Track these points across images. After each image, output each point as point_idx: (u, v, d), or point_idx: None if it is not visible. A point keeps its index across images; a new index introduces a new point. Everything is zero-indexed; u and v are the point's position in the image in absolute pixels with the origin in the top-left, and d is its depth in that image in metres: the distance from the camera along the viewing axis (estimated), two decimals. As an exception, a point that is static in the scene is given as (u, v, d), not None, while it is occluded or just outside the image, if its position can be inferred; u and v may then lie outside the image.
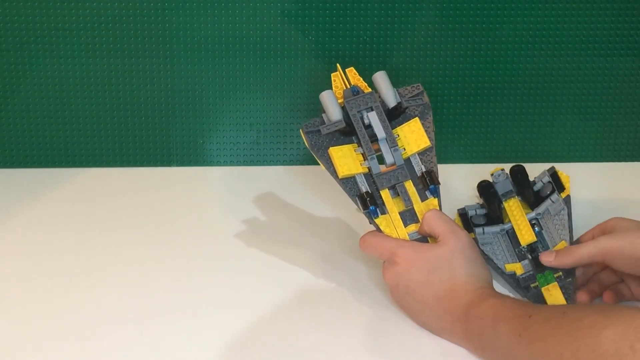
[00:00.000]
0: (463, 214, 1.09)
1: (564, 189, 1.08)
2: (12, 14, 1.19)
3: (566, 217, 1.05)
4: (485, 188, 1.10)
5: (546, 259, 0.99)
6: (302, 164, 1.28)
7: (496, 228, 1.06)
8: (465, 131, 1.29)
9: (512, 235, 1.06)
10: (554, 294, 0.99)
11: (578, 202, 1.13)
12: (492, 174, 1.09)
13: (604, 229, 1.00)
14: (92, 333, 0.92)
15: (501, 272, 1.03)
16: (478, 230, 1.06)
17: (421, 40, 1.23)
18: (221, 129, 1.27)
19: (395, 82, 1.05)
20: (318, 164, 1.27)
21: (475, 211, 1.08)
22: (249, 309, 0.96)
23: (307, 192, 1.13)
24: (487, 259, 1.03)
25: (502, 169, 1.09)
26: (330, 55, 1.24)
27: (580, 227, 1.08)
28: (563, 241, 1.03)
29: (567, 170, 1.08)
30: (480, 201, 1.10)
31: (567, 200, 1.07)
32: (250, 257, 1.06)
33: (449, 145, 1.29)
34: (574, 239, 1.04)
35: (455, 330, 0.91)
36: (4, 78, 1.22)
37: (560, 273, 1.00)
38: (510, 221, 1.06)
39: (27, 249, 1.07)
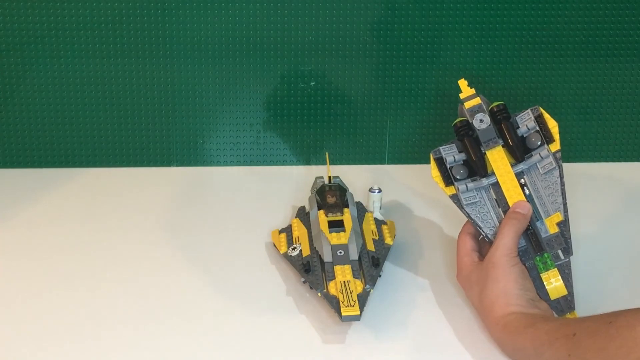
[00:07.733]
0: (438, 157, 0.95)
1: (553, 140, 0.93)
2: (12, 14, 1.19)
3: (558, 179, 0.92)
4: (462, 130, 0.95)
5: None
6: (301, 163, 1.28)
7: (480, 182, 0.93)
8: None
9: (496, 190, 0.93)
10: (555, 285, 0.89)
11: (578, 201, 1.13)
12: (473, 118, 0.94)
13: None
14: (92, 331, 0.92)
15: (490, 243, 0.92)
16: (461, 187, 0.93)
17: (421, 41, 1.24)
18: (221, 129, 1.27)
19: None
20: (315, 164, 1.27)
21: (454, 157, 0.95)
22: (249, 308, 0.96)
23: (307, 192, 1.13)
24: (474, 224, 0.93)
25: (484, 112, 0.95)
26: (330, 55, 1.24)
27: (580, 226, 1.08)
28: (558, 213, 0.91)
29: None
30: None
31: (558, 157, 0.92)
32: (251, 256, 1.06)
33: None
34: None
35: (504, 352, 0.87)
36: (4, 78, 1.22)
37: (559, 251, 0.91)
38: (493, 172, 0.93)
39: (27, 248, 1.07)
